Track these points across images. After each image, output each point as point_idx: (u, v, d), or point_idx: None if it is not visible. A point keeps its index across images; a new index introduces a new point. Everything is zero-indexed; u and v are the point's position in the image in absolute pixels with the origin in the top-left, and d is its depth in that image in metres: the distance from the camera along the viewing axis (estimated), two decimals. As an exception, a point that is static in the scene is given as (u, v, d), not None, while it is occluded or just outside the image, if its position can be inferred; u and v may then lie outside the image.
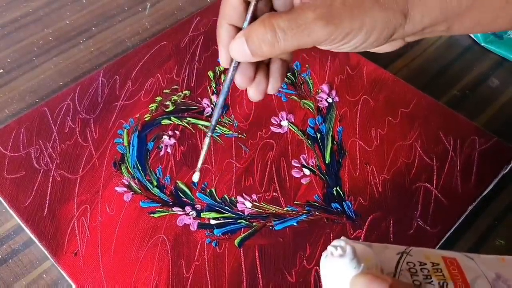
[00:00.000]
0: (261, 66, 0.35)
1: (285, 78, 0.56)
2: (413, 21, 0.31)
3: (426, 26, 0.31)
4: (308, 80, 0.57)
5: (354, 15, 0.29)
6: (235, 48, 0.32)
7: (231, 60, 0.34)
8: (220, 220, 0.46)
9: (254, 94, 0.36)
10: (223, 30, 0.33)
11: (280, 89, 0.55)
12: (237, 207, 0.47)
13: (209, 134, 0.37)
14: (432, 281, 0.29)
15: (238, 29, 0.33)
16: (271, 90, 0.36)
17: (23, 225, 0.46)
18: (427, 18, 0.31)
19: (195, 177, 0.40)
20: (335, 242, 0.30)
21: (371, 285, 0.28)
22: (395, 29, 0.31)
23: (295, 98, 0.55)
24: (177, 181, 0.48)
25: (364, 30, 0.30)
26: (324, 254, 0.30)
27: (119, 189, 0.48)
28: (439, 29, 0.32)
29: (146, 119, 0.53)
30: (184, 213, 0.46)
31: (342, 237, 0.30)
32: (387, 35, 0.31)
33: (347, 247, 0.29)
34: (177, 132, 0.52)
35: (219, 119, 0.36)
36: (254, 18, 0.32)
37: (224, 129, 0.52)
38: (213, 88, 0.56)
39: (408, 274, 0.30)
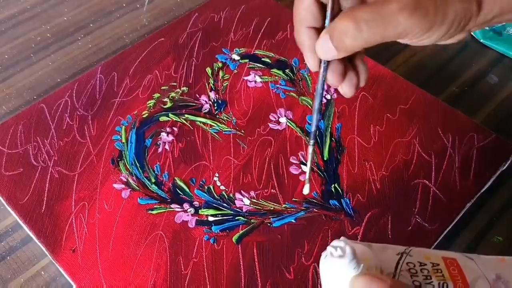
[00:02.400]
0: (347, 62, 0.35)
1: (284, 75, 0.56)
2: (485, 11, 0.31)
3: (496, 15, 0.31)
4: (306, 76, 0.56)
5: (438, 7, 0.29)
6: (321, 47, 0.32)
7: (320, 62, 0.33)
8: (218, 217, 0.46)
9: (348, 89, 0.35)
10: (304, 35, 0.33)
11: (278, 85, 0.55)
12: (235, 204, 0.47)
13: (312, 142, 0.36)
14: (432, 281, 0.29)
15: (318, 30, 0.33)
16: (362, 81, 0.35)
17: (21, 222, 0.46)
18: (497, 7, 0.31)
19: (306, 190, 0.39)
20: (334, 243, 0.30)
21: (370, 285, 0.28)
22: (470, 20, 0.31)
23: (294, 95, 0.55)
24: (175, 178, 0.48)
25: (447, 22, 0.30)
26: (323, 254, 0.30)
27: (117, 186, 0.47)
28: (506, 18, 0.32)
29: (144, 116, 0.53)
30: (182, 210, 0.46)
31: (342, 238, 0.30)
32: (463, 26, 0.31)
33: (346, 247, 0.29)
34: (175, 129, 0.52)
35: (317, 125, 0.35)
36: (333, 16, 0.32)
37: (222, 125, 0.52)
38: (211, 85, 0.56)
39: (408, 274, 0.29)
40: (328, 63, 0.33)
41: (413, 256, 0.31)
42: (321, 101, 0.35)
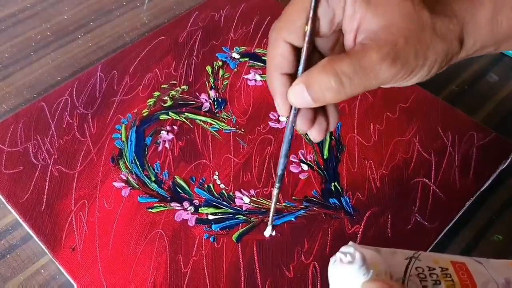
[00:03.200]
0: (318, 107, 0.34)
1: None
2: (466, 47, 0.31)
3: (477, 49, 0.31)
4: (306, 75, 0.56)
5: (417, 52, 0.29)
6: (295, 96, 0.31)
7: (290, 108, 0.33)
8: (218, 215, 0.46)
9: (317, 134, 0.34)
10: (277, 81, 0.32)
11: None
12: (235, 203, 0.47)
13: (277, 185, 0.37)
14: (441, 286, 0.29)
15: (291, 76, 0.32)
16: (332, 126, 0.35)
17: (20, 220, 0.46)
18: (479, 43, 0.31)
19: (267, 232, 0.41)
20: (343, 248, 0.30)
21: None
22: (452, 57, 0.30)
23: (294, 93, 0.55)
24: (175, 176, 0.48)
25: (427, 64, 0.29)
26: (332, 260, 0.30)
27: (117, 184, 0.47)
28: (487, 50, 0.32)
29: (144, 114, 0.53)
30: (182, 208, 0.46)
31: (351, 243, 0.30)
32: (445, 64, 0.31)
33: (356, 253, 0.29)
34: (175, 127, 0.52)
35: (284, 169, 0.36)
36: (307, 62, 0.31)
37: (222, 124, 0.52)
38: (211, 83, 0.56)
39: (417, 279, 0.29)
40: (298, 110, 0.33)
41: (422, 260, 0.31)
42: (289, 146, 0.35)
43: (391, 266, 0.30)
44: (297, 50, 0.31)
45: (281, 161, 0.35)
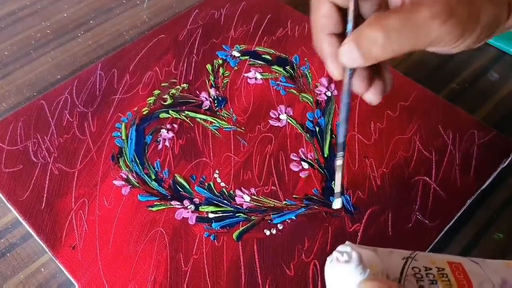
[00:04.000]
0: (372, 66, 0.33)
1: (285, 71, 0.56)
2: None
3: None
4: (307, 73, 0.56)
5: (470, 13, 0.28)
6: (346, 55, 0.30)
7: (344, 70, 0.32)
8: (219, 213, 0.46)
9: (375, 96, 0.33)
10: (325, 42, 0.32)
11: (278, 82, 0.55)
12: (235, 201, 0.47)
13: (340, 153, 0.35)
14: (437, 286, 0.29)
15: (339, 37, 0.31)
16: (389, 86, 0.34)
17: (20, 219, 0.46)
18: None
19: (337, 204, 0.37)
20: (340, 248, 0.30)
21: None
22: (498, 26, 0.29)
23: (294, 91, 0.55)
24: (175, 174, 0.48)
25: (479, 29, 0.28)
26: (329, 259, 0.30)
27: (117, 182, 0.47)
28: None
29: (144, 113, 0.53)
30: (182, 206, 0.46)
31: (347, 242, 0.30)
32: (492, 32, 0.30)
33: (353, 253, 0.29)
34: (175, 126, 0.52)
35: (345, 134, 0.34)
36: (355, 21, 0.30)
37: (223, 122, 0.52)
38: (211, 82, 0.56)
39: (414, 279, 0.29)
40: (353, 70, 0.32)
41: (418, 260, 0.31)
42: (348, 110, 0.33)
43: (388, 266, 0.30)
44: (341, 10, 0.31)
45: (341, 128, 0.33)
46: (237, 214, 0.46)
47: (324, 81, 0.55)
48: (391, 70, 0.34)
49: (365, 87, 0.33)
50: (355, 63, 0.30)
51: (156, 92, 0.54)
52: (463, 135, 0.51)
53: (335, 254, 0.30)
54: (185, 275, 0.42)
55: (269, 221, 0.45)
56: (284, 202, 0.47)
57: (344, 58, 0.30)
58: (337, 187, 0.37)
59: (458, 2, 0.27)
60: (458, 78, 0.59)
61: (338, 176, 0.36)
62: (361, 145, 0.50)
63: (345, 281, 0.29)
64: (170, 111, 0.53)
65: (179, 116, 0.52)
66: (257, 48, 0.59)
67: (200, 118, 0.52)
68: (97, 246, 0.44)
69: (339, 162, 0.35)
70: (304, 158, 0.50)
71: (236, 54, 0.58)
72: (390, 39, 0.28)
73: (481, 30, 0.29)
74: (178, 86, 0.55)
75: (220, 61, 0.58)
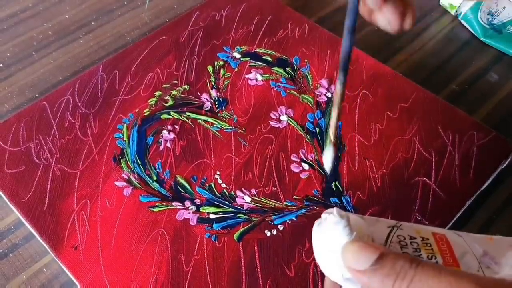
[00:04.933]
0: None
1: (285, 73, 0.57)
2: None
3: None
4: (307, 74, 0.57)
5: None
6: None
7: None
8: (220, 214, 0.46)
9: (393, 17, 0.29)
10: None
11: (279, 83, 0.56)
12: (236, 202, 0.47)
13: (341, 79, 0.30)
14: (421, 254, 0.30)
15: None
16: (409, 19, 0.30)
17: (23, 220, 0.46)
18: None
19: (327, 162, 0.34)
20: (328, 210, 0.31)
21: (362, 252, 0.28)
22: None
23: (294, 92, 0.55)
24: (176, 175, 0.49)
25: None
26: (317, 222, 0.31)
27: (119, 183, 0.48)
28: None
29: (145, 114, 0.53)
30: (183, 207, 0.46)
31: (335, 207, 0.31)
32: None
33: (341, 214, 0.30)
34: (177, 127, 0.52)
35: (349, 50, 0.29)
36: None
37: (224, 123, 0.52)
38: (212, 83, 0.56)
39: (398, 246, 0.30)
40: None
41: (403, 230, 0.31)
42: (355, 19, 0.28)
43: (373, 232, 0.31)
44: None
45: (345, 38, 0.29)
46: (238, 215, 0.46)
47: (324, 82, 0.56)
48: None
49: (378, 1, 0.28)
50: None
51: (158, 93, 0.55)
52: (462, 136, 0.51)
53: (323, 215, 0.31)
54: (186, 276, 0.43)
55: (270, 222, 0.46)
56: (285, 203, 0.47)
57: None
58: (331, 129, 0.32)
59: None
60: (457, 80, 0.60)
61: (334, 113, 0.31)
62: (361, 146, 0.51)
63: (332, 241, 0.30)
64: (172, 112, 0.53)
65: (180, 117, 0.53)
66: (257, 50, 0.59)
67: (201, 119, 0.53)
68: (99, 247, 0.44)
69: (339, 88, 0.30)
70: (304, 159, 0.50)
71: (237, 55, 0.58)
72: None
73: None
74: (179, 88, 0.55)
75: (221, 63, 0.58)
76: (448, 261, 0.30)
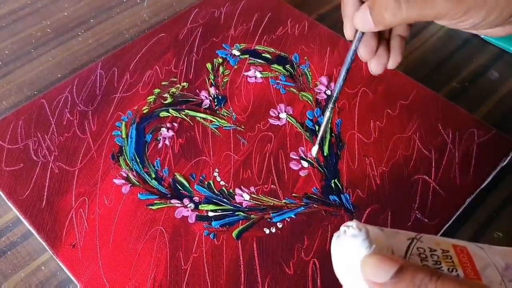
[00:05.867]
0: (382, 41, 0.37)
1: (284, 70, 0.56)
2: None
3: None
4: (307, 72, 0.56)
5: None
6: (359, 18, 0.33)
7: (355, 32, 0.35)
8: (218, 212, 0.46)
9: (376, 67, 0.37)
10: (349, 5, 0.35)
11: (278, 81, 0.55)
12: (235, 200, 0.47)
13: (330, 106, 0.39)
14: (441, 266, 0.29)
15: (363, 2, 0.34)
16: (391, 64, 0.37)
17: (21, 217, 0.46)
18: None
19: (314, 151, 0.43)
20: (348, 223, 0.30)
21: (382, 265, 0.28)
22: None
23: (294, 90, 0.55)
24: (175, 173, 0.48)
25: (486, 8, 0.30)
26: (336, 234, 0.31)
27: (117, 181, 0.48)
28: None
29: (144, 111, 0.53)
30: (182, 205, 0.46)
31: (354, 220, 0.31)
32: (507, 15, 0.31)
33: (359, 227, 0.29)
34: (175, 125, 0.52)
35: (340, 91, 0.39)
36: None
37: (223, 121, 0.52)
38: (211, 80, 0.56)
39: (418, 259, 0.30)
40: (362, 34, 0.35)
41: (423, 242, 0.31)
42: (348, 69, 0.37)
43: (393, 245, 0.30)
44: None
45: (338, 83, 0.38)
46: (236, 213, 0.46)
47: (323, 80, 0.55)
48: (400, 55, 0.38)
49: (368, 54, 0.36)
50: (366, 27, 0.33)
51: (156, 91, 0.55)
52: (463, 133, 0.51)
53: (342, 228, 0.30)
54: (185, 274, 0.43)
55: (269, 220, 0.46)
56: (284, 201, 0.47)
57: (356, 20, 0.34)
58: (319, 135, 0.42)
59: None
60: (458, 77, 0.59)
61: (323, 125, 0.41)
62: (360, 144, 0.51)
63: (351, 254, 0.29)
64: (170, 110, 0.53)
65: (179, 115, 0.53)
66: (257, 47, 0.59)
67: (200, 117, 0.52)
68: (97, 245, 0.44)
69: (328, 113, 0.40)
70: (303, 156, 0.50)
71: (236, 53, 0.58)
72: (399, 6, 0.31)
73: (488, 12, 0.30)
74: (178, 85, 0.55)
75: (220, 60, 0.58)
76: (469, 274, 0.29)
